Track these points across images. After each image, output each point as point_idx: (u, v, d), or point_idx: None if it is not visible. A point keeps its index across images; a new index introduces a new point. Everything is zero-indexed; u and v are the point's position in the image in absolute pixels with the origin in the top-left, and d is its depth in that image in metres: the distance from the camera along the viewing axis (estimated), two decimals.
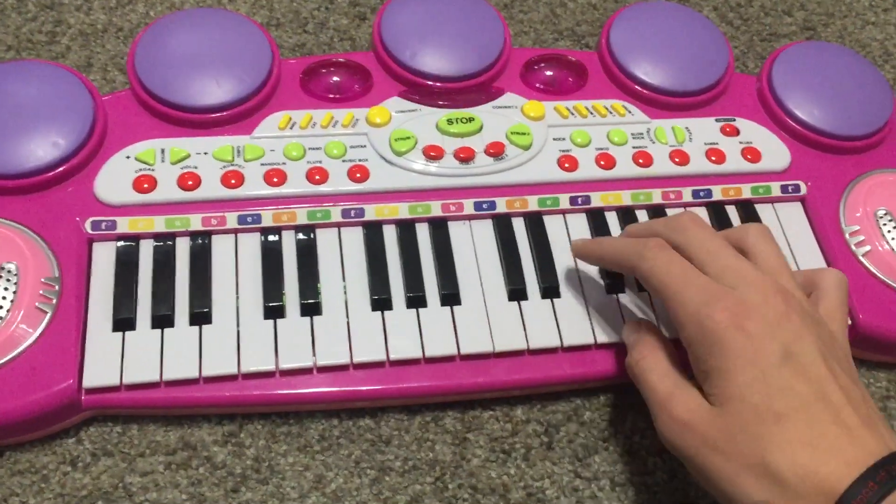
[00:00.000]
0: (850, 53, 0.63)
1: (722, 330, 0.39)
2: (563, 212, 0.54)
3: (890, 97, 0.61)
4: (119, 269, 0.48)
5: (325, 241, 0.51)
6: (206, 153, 0.52)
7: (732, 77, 0.61)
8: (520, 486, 0.47)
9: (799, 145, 0.59)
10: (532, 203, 0.53)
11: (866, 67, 0.62)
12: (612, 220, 0.54)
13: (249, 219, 0.50)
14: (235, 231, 0.50)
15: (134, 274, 0.48)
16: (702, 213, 0.55)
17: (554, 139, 0.56)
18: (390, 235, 0.51)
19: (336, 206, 0.51)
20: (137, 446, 0.46)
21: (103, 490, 0.44)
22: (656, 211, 0.55)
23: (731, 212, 0.56)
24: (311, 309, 0.48)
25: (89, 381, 0.44)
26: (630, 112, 0.58)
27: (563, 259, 0.52)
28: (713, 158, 0.57)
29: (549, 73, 0.60)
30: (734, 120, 0.59)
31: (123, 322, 0.46)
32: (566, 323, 0.49)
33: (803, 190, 0.57)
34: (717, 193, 0.56)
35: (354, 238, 0.51)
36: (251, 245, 0.50)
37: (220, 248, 0.50)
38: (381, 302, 0.49)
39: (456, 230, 0.52)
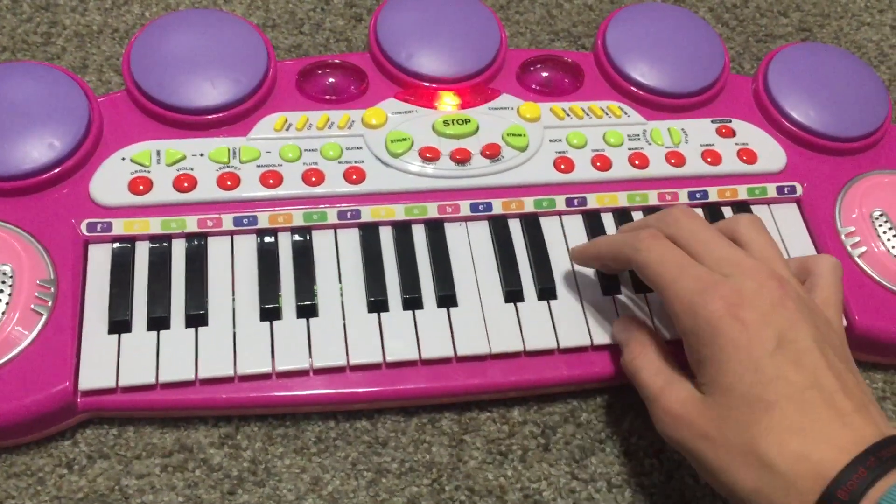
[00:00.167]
0: (845, 55, 0.63)
1: (717, 319, 0.39)
2: (560, 213, 0.54)
3: (885, 98, 0.61)
4: (115, 270, 0.48)
5: (322, 242, 0.51)
6: (201, 155, 0.52)
7: (728, 78, 0.61)
8: (516, 487, 0.47)
9: (795, 146, 0.59)
10: (528, 204, 0.53)
11: (862, 68, 0.62)
12: (608, 221, 0.54)
13: (245, 220, 0.50)
14: (231, 233, 0.50)
15: (130, 276, 0.48)
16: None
17: (550, 140, 0.56)
18: (387, 237, 0.51)
19: (332, 207, 0.51)
20: (133, 448, 0.46)
21: (99, 492, 0.44)
22: (652, 212, 0.54)
23: (728, 213, 0.56)
24: (307, 311, 0.48)
25: (85, 383, 0.44)
26: (626, 113, 0.58)
27: (559, 260, 0.52)
28: (709, 160, 0.57)
29: (545, 74, 0.60)
30: (730, 121, 0.59)
31: (119, 324, 0.46)
32: (563, 324, 0.49)
33: (799, 191, 0.57)
34: (714, 195, 0.56)
35: (351, 240, 0.51)
36: (247, 247, 0.50)
37: (216, 249, 0.50)
38: (377, 304, 0.48)
39: (452, 232, 0.52)
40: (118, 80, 0.60)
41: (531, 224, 0.53)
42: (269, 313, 0.47)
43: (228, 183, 0.51)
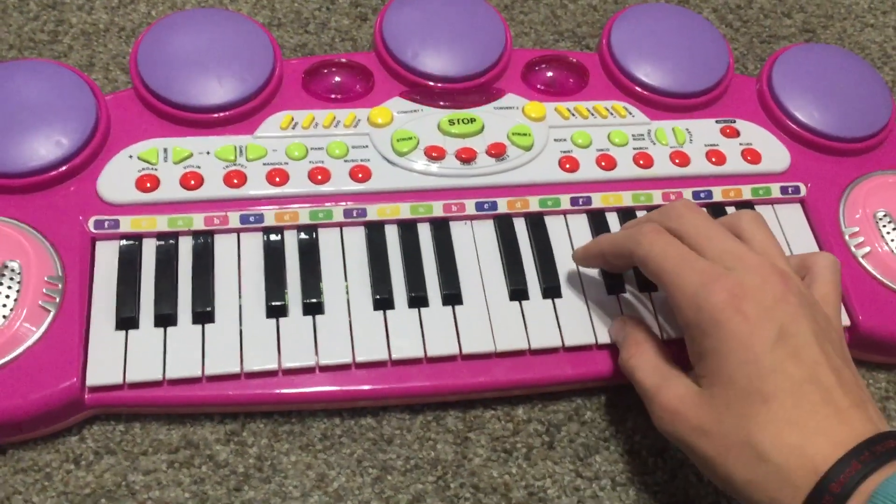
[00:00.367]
0: (849, 55, 0.63)
1: (719, 311, 0.40)
2: (564, 212, 0.54)
3: (889, 99, 0.61)
4: (122, 267, 0.48)
5: (328, 240, 0.51)
6: (208, 153, 0.52)
7: (732, 79, 0.61)
8: (521, 485, 0.47)
9: (799, 147, 0.59)
10: (533, 203, 0.53)
11: (865, 69, 0.62)
12: (612, 220, 0.54)
13: (252, 218, 0.50)
14: (238, 230, 0.50)
15: (137, 273, 0.48)
16: None
17: (555, 140, 0.56)
18: (392, 235, 0.52)
19: (338, 205, 0.51)
20: (140, 445, 0.46)
21: (106, 488, 0.44)
22: None
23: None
24: (313, 308, 0.48)
25: (92, 379, 0.44)
26: (630, 113, 0.59)
27: (564, 259, 0.52)
28: (713, 160, 0.57)
29: (549, 74, 0.60)
30: (734, 121, 0.60)
31: (126, 321, 0.46)
32: (567, 323, 0.49)
33: (803, 191, 0.57)
34: (718, 195, 0.56)
35: (356, 238, 0.51)
36: (253, 244, 0.50)
37: (223, 247, 0.50)
38: (382, 301, 0.49)
39: (457, 230, 0.52)
40: (125, 79, 0.61)
41: (536, 223, 0.53)
42: (276, 311, 0.48)
43: (235, 181, 0.51)
